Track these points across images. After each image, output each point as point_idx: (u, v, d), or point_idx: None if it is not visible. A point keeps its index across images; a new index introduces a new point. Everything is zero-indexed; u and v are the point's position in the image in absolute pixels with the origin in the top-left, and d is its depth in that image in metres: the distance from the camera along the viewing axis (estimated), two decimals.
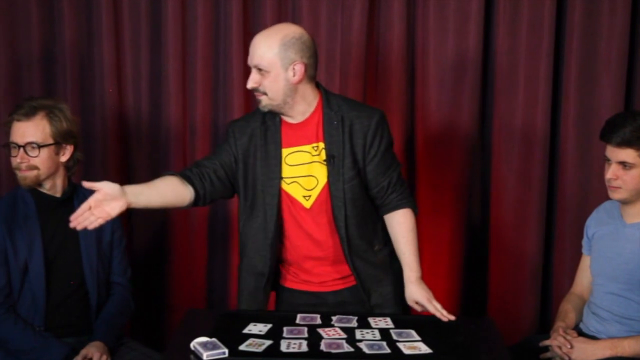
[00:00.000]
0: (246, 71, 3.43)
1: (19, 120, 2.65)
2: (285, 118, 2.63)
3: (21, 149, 2.64)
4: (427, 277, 3.53)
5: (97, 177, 3.42)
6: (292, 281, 2.75)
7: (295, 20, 3.44)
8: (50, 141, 2.66)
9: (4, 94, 3.47)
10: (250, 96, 3.49)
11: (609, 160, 2.60)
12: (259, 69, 2.53)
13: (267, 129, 2.64)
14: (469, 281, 3.60)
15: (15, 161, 2.67)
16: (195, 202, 2.63)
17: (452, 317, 2.50)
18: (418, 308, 2.59)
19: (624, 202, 2.64)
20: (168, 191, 2.57)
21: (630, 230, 2.64)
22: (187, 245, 3.60)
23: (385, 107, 3.47)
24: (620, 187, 2.58)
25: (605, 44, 3.38)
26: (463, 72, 3.44)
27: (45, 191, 2.72)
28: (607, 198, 2.73)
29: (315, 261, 2.70)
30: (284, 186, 2.64)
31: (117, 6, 3.45)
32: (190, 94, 3.50)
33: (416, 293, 2.58)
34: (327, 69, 3.48)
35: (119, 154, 3.53)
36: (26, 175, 2.66)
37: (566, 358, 2.59)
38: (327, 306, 2.69)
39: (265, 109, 2.59)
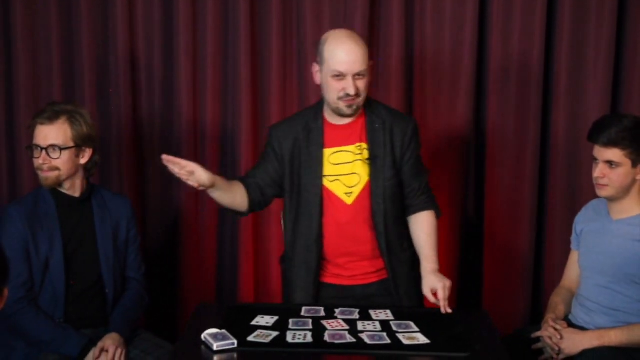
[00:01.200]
0: (253, 78, 3.48)
1: (42, 123, 2.66)
2: (331, 120, 2.69)
3: (43, 151, 2.66)
4: None
5: (113, 178, 3.47)
6: (322, 275, 2.77)
7: (299, 28, 3.47)
8: (71, 144, 2.68)
9: (26, 99, 3.48)
10: (258, 100, 3.52)
11: (596, 159, 2.61)
12: (359, 75, 2.57)
13: (310, 131, 2.69)
14: (465, 276, 3.60)
15: (37, 162, 2.68)
16: (249, 210, 2.76)
17: (449, 310, 2.51)
18: (432, 299, 2.55)
19: (611, 200, 2.65)
20: (238, 196, 2.71)
21: (616, 226, 2.65)
22: (198, 242, 3.60)
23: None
24: (607, 185, 2.59)
25: (593, 50, 3.38)
26: (458, 77, 3.45)
27: (65, 191, 2.73)
28: (595, 196, 2.74)
29: (349, 257, 2.73)
30: (327, 184, 2.69)
31: (132, 15, 3.46)
32: (200, 99, 3.51)
33: (434, 281, 2.56)
34: None
35: (134, 156, 3.54)
36: (48, 176, 2.68)
37: (556, 348, 2.60)
38: (354, 299, 2.72)
39: (352, 111, 2.64)
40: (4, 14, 3.46)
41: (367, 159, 2.68)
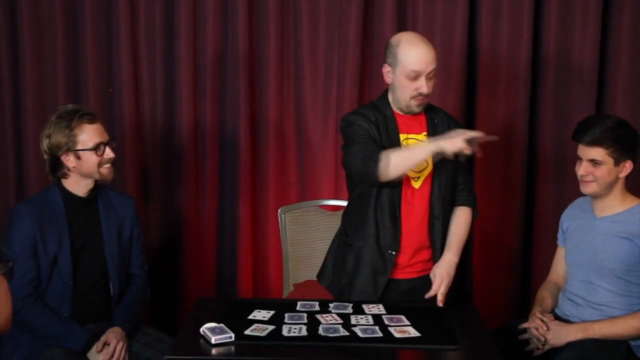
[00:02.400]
0: (251, 81, 3.48)
1: (93, 122, 2.69)
2: (399, 112, 2.72)
3: (107, 146, 2.70)
4: None
5: (116, 178, 3.44)
6: (396, 272, 2.73)
7: (296, 35, 3.47)
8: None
9: (32, 102, 3.49)
10: (256, 105, 3.52)
11: (580, 158, 2.62)
12: (431, 74, 2.63)
13: (386, 118, 2.72)
14: (456, 271, 3.59)
15: (109, 155, 2.71)
16: None
17: (440, 304, 2.53)
18: (435, 285, 2.60)
19: (595, 197, 2.65)
20: None
21: (600, 223, 2.65)
22: (198, 240, 3.61)
23: None
24: (591, 182, 2.60)
25: (578, 54, 3.39)
26: (449, 80, 3.45)
27: (73, 191, 2.73)
28: (581, 195, 2.74)
29: (412, 248, 2.73)
30: None
31: (134, 21, 3.47)
32: (200, 103, 3.52)
33: (440, 267, 2.63)
34: (325, 78, 3.50)
35: (136, 158, 3.54)
36: (113, 170, 2.74)
37: (542, 339, 2.60)
38: (398, 292, 2.72)
39: (421, 109, 2.70)
40: (11, 20, 3.47)
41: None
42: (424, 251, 2.74)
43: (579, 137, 2.61)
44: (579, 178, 2.64)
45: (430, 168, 2.71)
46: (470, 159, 3.49)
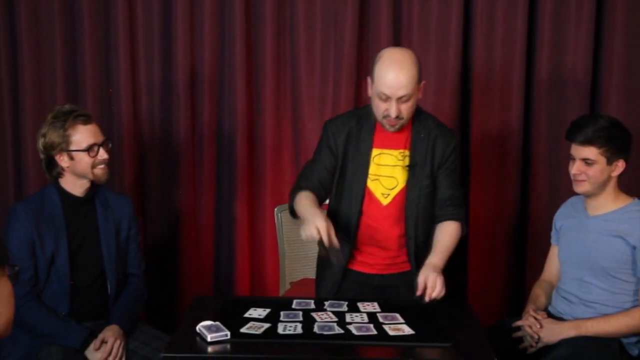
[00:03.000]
0: (248, 81, 3.49)
1: (87, 123, 2.68)
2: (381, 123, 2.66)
3: (101, 148, 2.69)
4: None
5: (114, 177, 3.47)
6: (350, 262, 2.77)
7: (292, 35, 3.47)
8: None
9: (31, 102, 3.49)
10: (253, 104, 3.53)
11: (573, 157, 2.62)
12: (403, 98, 2.53)
13: (362, 128, 2.69)
14: (451, 269, 3.59)
15: (103, 156, 2.70)
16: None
17: (432, 298, 2.48)
18: (421, 288, 2.49)
19: (588, 196, 2.66)
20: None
21: (592, 222, 2.66)
22: (196, 240, 3.62)
23: None
24: (584, 181, 2.60)
25: (572, 55, 3.40)
26: (444, 80, 3.46)
27: (70, 191, 2.73)
28: (574, 194, 2.75)
29: (376, 248, 2.74)
30: (368, 182, 2.69)
31: (132, 23, 3.47)
32: (197, 102, 3.52)
33: (429, 271, 2.51)
34: (321, 77, 3.50)
35: (134, 157, 3.54)
36: (107, 171, 2.73)
37: (535, 337, 2.61)
38: (370, 287, 2.74)
39: (395, 130, 2.62)
40: (10, 21, 3.47)
41: (407, 166, 2.68)
42: (394, 256, 2.76)
43: (572, 137, 2.61)
44: (572, 177, 2.64)
45: (401, 186, 2.69)
46: (466, 156, 3.53)
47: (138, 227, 2.93)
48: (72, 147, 2.66)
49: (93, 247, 2.76)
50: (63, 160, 2.68)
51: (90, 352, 2.61)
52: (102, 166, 2.71)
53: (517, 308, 3.46)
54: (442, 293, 2.48)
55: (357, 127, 2.69)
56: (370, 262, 2.77)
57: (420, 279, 2.50)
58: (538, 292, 2.83)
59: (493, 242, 3.56)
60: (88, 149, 2.67)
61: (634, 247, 2.56)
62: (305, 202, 2.60)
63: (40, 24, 3.48)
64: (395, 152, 2.68)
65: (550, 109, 3.45)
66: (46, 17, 3.47)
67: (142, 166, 3.58)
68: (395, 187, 2.69)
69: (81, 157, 2.67)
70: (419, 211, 2.69)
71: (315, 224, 2.42)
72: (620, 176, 2.64)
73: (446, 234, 2.68)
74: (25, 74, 3.47)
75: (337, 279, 2.75)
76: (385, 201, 2.70)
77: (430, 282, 2.48)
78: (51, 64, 3.49)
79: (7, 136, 3.55)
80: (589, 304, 2.65)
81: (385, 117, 2.58)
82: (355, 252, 2.77)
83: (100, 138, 2.71)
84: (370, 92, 2.63)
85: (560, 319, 2.68)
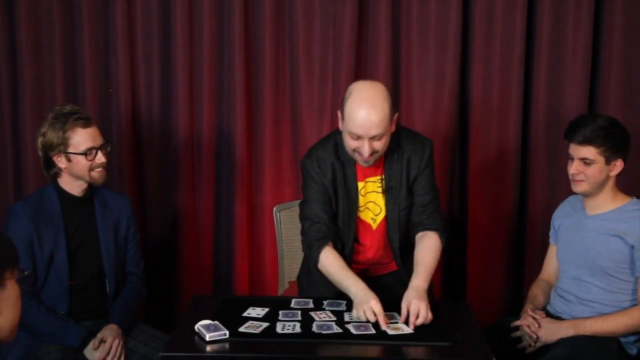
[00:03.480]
0: (247, 82, 3.48)
1: (87, 126, 2.67)
2: None
3: (99, 151, 2.68)
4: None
5: (113, 178, 3.47)
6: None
7: (291, 36, 3.47)
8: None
9: (30, 101, 3.48)
10: (252, 104, 3.52)
11: (571, 157, 2.62)
12: (375, 137, 2.46)
13: (344, 164, 2.63)
14: (450, 269, 3.61)
15: (100, 160, 2.69)
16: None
17: (411, 327, 2.34)
18: (404, 315, 2.37)
19: (586, 195, 2.66)
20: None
21: (591, 222, 2.66)
22: (195, 240, 3.61)
23: None
24: (582, 181, 2.60)
25: (571, 55, 3.39)
26: (443, 81, 3.45)
27: (68, 190, 2.73)
28: (572, 193, 2.75)
29: (372, 266, 2.77)
30: (359, 214, 2.68)
31: (131, 23, 3.46)
32: (197, 102, 3.52)
33: (413, 296, 2.39)
34: (320, 78, 3.50)
35: (133, 156, 3.54)
36: (105, 174, 2.72)
37: (534, 336, 2.61)
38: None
39: (369, 165, 2.57)
40: (9, 21, 3.46)
41: (383, 191, 2.66)
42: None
43: (570, 136, 2.61)
44: (570, 177, 2.64)
45: (383, 211, 2.68)
46: (464, 156, 3.53)
47: (137, 226, 2.93)
48: (70, 150, 2.66)
49: (92, 247, 2.76)
50: (61, 161, 2.68)
51: (89, 351, 2.60)
52: (99, 169, 2.71)
53: (516, 307, 3.46)
54: (429, 318, 2.34)
55: (339, 163, 2.63)
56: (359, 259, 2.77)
57: (403, 306, 2.37)
58: (536, 292, 2.83)
59: (492, 241, 3.55)
60: (86, 153, 2.66)
61: (632, 247, 2.56)
62: (341, 267, 2.54)
63: (39, 24, 3.47)
64: (375, 179, 2.66)
65: (549, 109, 3.44)
66: (46, 17, 3.46)
67: (141, 166, 3.57)
68: (379, 212, 2.69)
69: (78, 160, 2.67)
70: (402, 232, 2.68)
71: (371, 307, 2.35)
72: (618, 175, 2.64)
73: (427, 250, 2.58)
74: (25, 74, 3.46)
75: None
76: (374, 225, 2.71)
77: (413, 309, 2.34)
78: (50, 64, 3.49)
79: (6, 136, 3.54)
80: (587, 303, 2.64)
81: (356, 151, 2.52)
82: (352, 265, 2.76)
83: (99, 141, 2.70)
84: (341, 126, 2.56)
85: (558, 318, 2.68)
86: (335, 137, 2.68)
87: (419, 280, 2.48)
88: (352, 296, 2.45)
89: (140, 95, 3.52)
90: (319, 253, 2.57)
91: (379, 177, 2.66)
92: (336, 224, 2.66)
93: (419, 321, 2.33)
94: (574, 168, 2.61)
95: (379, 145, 2.49)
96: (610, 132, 2.57)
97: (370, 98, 2.46)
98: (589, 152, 2.56)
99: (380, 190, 2.66)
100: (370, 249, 2.74)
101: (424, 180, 2.66)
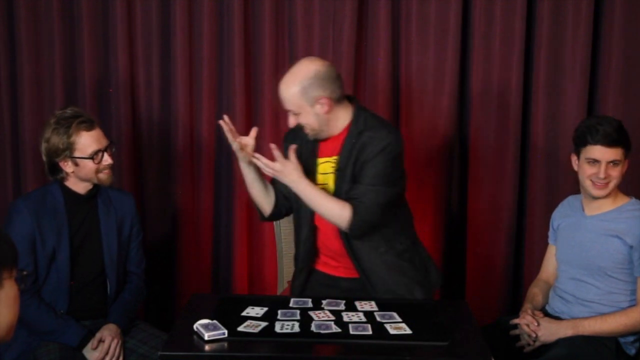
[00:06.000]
0: (246, 81, 3.48)
1: (91, 129, 2.66)
2: None
3: (104, 153, 2.67)
4: None
5: (113, 174, 3.45)
6: (318, 263, 2.81)
7: (291, 34, 3.46)
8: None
9: (30, 100, 3.48)
10: (251, 102, 3.52)
11: (593, 160, 2.57)
12: (290, 111, 2.61)
13: (309, 140, 2.70)
14: (449, 268, 3.61)
15: (107, 162, 2.68)
16: (272, 213, 2.81)
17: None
18: None
19: (598, 198, 2.63)
20: (269, 190, 2.79)
21: (590, 222, 2.66)
22: (195, 238, 3.61)
23: (373, 110, 3.49)
24: (609, 183, 2.57)
25: (570, 55, 3.38)
26: (442, 80, 3.45)
27: (73, 189, 2.71)
28: (571, 193, 2.75)
29: (334, 253, 2.76)
30: None
31: (131, 22, 3.46)
32: (196, 101, 3.51)
33: None
34: None
35: (133, 156, 3.54)
36: (111, 175, 2.72)
37: (533, 335, 2.62)
38: (339, 289, 2.73)
39: (312, 137, 2.65)
40: (8, 20, 3.47)
41: (335, 170, 2.68)
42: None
43: (595, 139, 2.55)
44: (592, 181, 2.58)
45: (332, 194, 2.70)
46: (464, 156, 3.53)
47: (140, 226, 2.92)
48: (77, 154, 2.64)
49: (94, 245, 2.75)
50: (67, 166, 2.66)
51: (87, 351, 2.60)
52: (106, 170, 2.70)
53: (515, 307, 3.46)
54: None
55: (306, 138, 2.70)
56: (332, 264, 2.78)
57: None
58: (535, 292, 2.83)
59: (491, 241, 3.55)
60: (92, 157, 2.64)
61: (631, 247, 2.56)
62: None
63: (39, 23, 3.47)
64: (331, 159, 2.69)
65: (549, 109, 3.44)
66: (45, 16, 3.45)
67: (141, 165, 3.57)
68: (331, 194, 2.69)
69: (85, 164, 2.65)
70: None
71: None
72: None
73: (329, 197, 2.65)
74: (24, 73, 3.46)
75: (303, 278, 2.78)
76: None
77: None
78: (50, 63, 3.48)
79: (5, 134, 3.55)
80: (585, 303, 2.65)
81: None
82: (319, 254, 2.80)
83: (104, 143, 2.69)
84: None
85: (557, 318, 2.69)
86: None
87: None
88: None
89: (140, 95, 3.52)
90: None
91: (334, 157, 2.68)
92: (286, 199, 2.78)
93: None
94: (603, 172, 2.55)
95: (301, 119, 2.61)
96: (625, 133, 2.59)
97: (289, 73, 2.62)
98: (618, 153, 2.55)
99: (333, 170, 2.69)
100: (325, 233, 2.74)
101: (369, 170, 2.60)
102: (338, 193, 2.65)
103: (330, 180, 2.69)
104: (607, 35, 3.38)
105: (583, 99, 3.40)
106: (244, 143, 2.66)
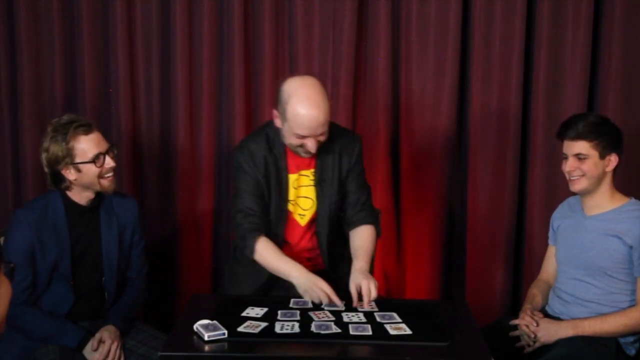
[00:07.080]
0: (246, 81, 3.48)
1: (89, 132, 2.61)
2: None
3: (106, 156, 2.62)
4: (411, 266, 3.58)
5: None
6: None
7: (291, 34, 3.47)
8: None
9: (30, 102, 3.48)
10: (251, 103, 3.53)
11: (565, 156, 2.63)
12: (319, 136, 2.54)
13: (276, 157, 2.66)
14: (449, 269, 3.61)
15: (110, 164, 2.63)
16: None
17: (372, 305, 2.48)
18: (355, 297, 2.46)
19: (584, 194, 2.65)
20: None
21: (589, 222, 2.66)
22: (195, 240, 3.60)
23: (373, 110, 3.50)
24: (580, 178, 2.59)
25: (570, 55, 3.38)
26: (442, 81, 3.45)
27: (74, 199, 2.67)
28: (571, 194, 2.75)
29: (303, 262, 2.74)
30: (289, 206, 2.71)
31: (131, 22, 3.47)
32: (196, 102, 3.51)
33: (359, 278, 2.50)
34: (320, 77, 3.46)
35: (133, 157, 3.54)
36: (114, 181, 2.67)
37: (532, 335, 2.62)
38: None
39: (310, 156, 2.64)
40: (8, 20, 3.47)
41: (316, 183, 2.69)
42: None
43: (563, 134, 2.63)
44: (567, 177, 2.64)
45: (314, 208, 2.70)
46: (464, 157, 3.52)
47: (142, 232, 2.87)
48: (78, 160, 2.59)
49: (94, 256, 2.71)
50: (69, 173, 2.60)
51: (87, 352, 2.59)
52: (109, 175, 2.64)
53: (515, 307, 3.47)
54: (375, 294, 2.46)
55: (271, 156, 2.66)
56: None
57: (352, 288, 2.47)
58: (535, 292, 2.83)
59: (491, 241, 3.55)
60: (94, 160, 2.60)
61: (631, 247, 2.56)
62: (279, 255, 2.60)
63: (39, 23, 3.47)
64: (309, 172, 2.70)
65: (549, 109, 3.44)
66: (45, 16, 3.46)
67: (141, 166, 3.57)
68: (310, 207, 2.71)
69: (88, 168, 2.60)
70: (330, 227, 2.71)
71: (322, 289, 2.45)
72: (616, 176, 2.64)
73: (365, 238, 2.70)
74: (24, 74, 3.46)
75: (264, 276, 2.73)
76: (302, 222, 2.73)
77: (365, 289, 2.45)
78: (50, 63, 3.49)
79: (5, 136, 3.55)
80: (585, 304, 2.65)
81: (300, 147, 2.58)
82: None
83: (104, 146, 2.64)
84: (279, 124, 2.59)
85: (557, 318, 2.69)
86: (266, 130, 2.72)
87: (361, 262, 2.59)
88: (294, 281, 2.53)
89: (140, 95, 3.52)
90: (255, 243, 2.62)
91: (312, 171, 2.69)
92: (268, 217, 2.70)
93: (372, 298, 2.45)
94: (569, 165, 2.61)
95: (323, 138, 2.58)
96: (602, 127, 2.59)
97: (314, 98, 2.51)
98: (582, 146, 2.57)
99: (312, 183, 2.69)
100: (296, 246, 2.76)
101: (357, 177, 2.72)
102: (322, 205, 2.69)
103: (310, 193, 2.71)
104: (607, 35, 3.38)
105: (583, 99, 3.40)
106: None
